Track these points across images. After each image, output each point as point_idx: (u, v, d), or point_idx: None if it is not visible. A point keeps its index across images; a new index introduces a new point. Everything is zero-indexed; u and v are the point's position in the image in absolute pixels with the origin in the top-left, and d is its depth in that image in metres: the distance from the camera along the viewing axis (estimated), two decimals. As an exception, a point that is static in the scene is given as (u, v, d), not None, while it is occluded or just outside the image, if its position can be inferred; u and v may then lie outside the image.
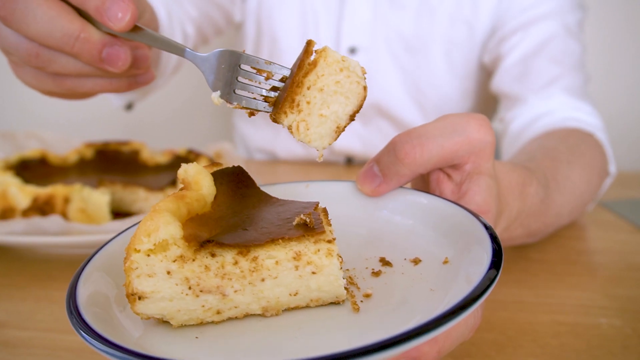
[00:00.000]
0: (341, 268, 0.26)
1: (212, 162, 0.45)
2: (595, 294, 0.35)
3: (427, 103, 0.78)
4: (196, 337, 0.24)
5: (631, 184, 0.67)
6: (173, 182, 0.43)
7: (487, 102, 0.82)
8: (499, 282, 0.37)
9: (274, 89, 0.32)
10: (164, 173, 0.48)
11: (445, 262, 0.28)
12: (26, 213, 0.39)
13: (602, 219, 0.52)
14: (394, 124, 0.79)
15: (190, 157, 0.48)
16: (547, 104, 0.65)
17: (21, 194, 0.39)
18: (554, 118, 0.63)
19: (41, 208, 0.39)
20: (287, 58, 0.80)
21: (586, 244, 0.45)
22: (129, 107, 0.73)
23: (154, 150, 0.53)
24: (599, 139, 0.62)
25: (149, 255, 0.23)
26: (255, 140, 0.90)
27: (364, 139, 0.79)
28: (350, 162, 0.82)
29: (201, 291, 0.24)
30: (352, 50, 0.76)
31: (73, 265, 0.39)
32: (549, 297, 0.35)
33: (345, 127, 0.31)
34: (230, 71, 0.33)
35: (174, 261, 0.23)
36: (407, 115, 0.77)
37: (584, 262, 0.41)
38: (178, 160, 0.49)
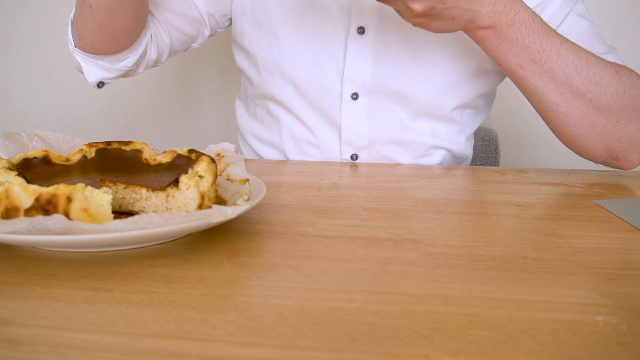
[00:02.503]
0: None
1: (214, 161, 0.45)
2: (591, 292, 0.36)
3: (436, 79, 0.79)
4: None
5: (628, 183, 0.67)
6: (175, 182, 0.43)
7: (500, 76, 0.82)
8: (496, 281, 0.37)
9: None
10: (166, 173, 0.48)
11: None
12: (29, 212, 0.39)
13: (599, 218, 0.52)
14: (400, 100, 0.79)
15: (192, 156, 0.48)
16: None
17: (24, 193, 0.39)
18: None
19: (44, 207, 0.39)
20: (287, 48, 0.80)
21: (583, 243, 0.45)
22: (100, 85, 0.80)
23: (155, 150, 0.53)
24: None
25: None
26: (262, 137, 0.89)
27: (371, 117, 0.79)
28: (356, 158, 0.82)
29: None
30: (361, 31, 0.77)
31: (75, 263, 0.39)
32: (546, 296, 0.35)
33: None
34: None
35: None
36: (414, 90, 0.78)
37: (581, 261, 0.41)
38: (180, 160, 0.49)
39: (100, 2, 0.68)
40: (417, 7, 0.54)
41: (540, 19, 0.62)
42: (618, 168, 0.70)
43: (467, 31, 0.62)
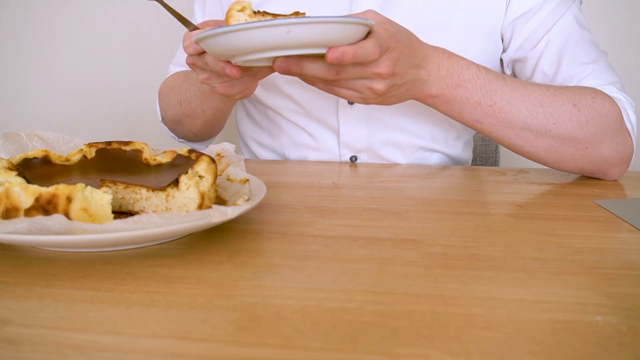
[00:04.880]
0: None
1: (214, 161, 0.45)
2: (591, 292, 0.36)
3: None
4: None
5: (628, 183, 0.67)
6: (175, 182, 0.43)
7: None
8: (496, 280, 0.37)
9: None
10: (166, 173, 0.48)
11: None
12: (29, 212, 0.39)
13: (599, 218, 0.52)
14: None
15: (192, 157, 0.48)
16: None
17: (24, 193, 0.39)
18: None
19: (44, 207, 0.39)
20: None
21: (583, 243, 0.45)
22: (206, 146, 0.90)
23: (155, 150, 0.53)
24: (614, 98, 0.66)
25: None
26: (260, 140, 0.90)
27: (368, 120, 0.80)
28: (355, 159, 0.83)
29: None
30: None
31: (75, 263, 0.39)
32: (546, 296, 0.35)
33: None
34: None
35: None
36: None
37: (581, 261, 0.41)
38: (180, 160, 0.49)
39: (204, 118, 0.78)
40: (380, 87, 0.54)
41: (486, 71, 0.62)
42: (599, 179, 0.70)
43: (417, 99, 0.63)
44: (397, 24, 0.55)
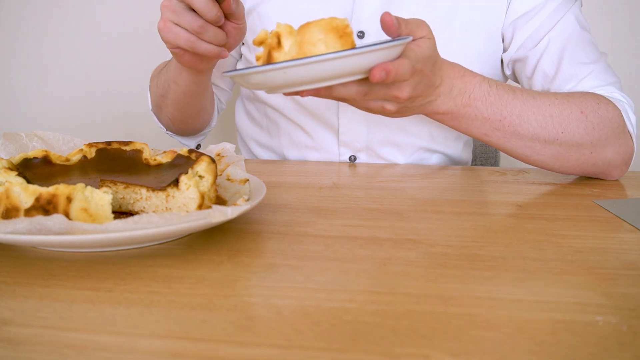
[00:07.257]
0: None
1: (214, 161, 0.45)
2: (591, 292, 0.36)
3: None
4: None
5: (628, 183, 0.67)
6: (175, 182, 0.43)
7: None
8: (496, 280, 0.37)
9: None
10: (166, 173, 0.48)
11: None
12: (29, 212, 0.39)
13: (599, 218, 0.52)
14: None
15: (192, 157, 0.48)
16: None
17: (24, 193, 0.39)
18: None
19: (44, 207, 0.39)
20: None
21: (583, 243, 0.45)
22: (198, 146, 0.94)
23: (155, 150, 0.53)
24: (615, 102, 0.67)
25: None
26: (260, 139, 0.90)
27: (368, 119, 0.80)
28: (354, 159, 0.83)
29: None
30: (361, 35, 0.77)
31: (75, 263, 0.39)
32: (546, 296, 0.35)
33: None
34: None
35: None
36: None
37: (581, 261, 0.41)
38: (180, 160, 0.49)
39: (173, 97, 0.77)
40: (392, 108, 0.54)
41: (497, 86, 0.60)
42: (600, 179, 0.70)
43: (425, 115, 0.62)
44: (432, 44, 0.52)
